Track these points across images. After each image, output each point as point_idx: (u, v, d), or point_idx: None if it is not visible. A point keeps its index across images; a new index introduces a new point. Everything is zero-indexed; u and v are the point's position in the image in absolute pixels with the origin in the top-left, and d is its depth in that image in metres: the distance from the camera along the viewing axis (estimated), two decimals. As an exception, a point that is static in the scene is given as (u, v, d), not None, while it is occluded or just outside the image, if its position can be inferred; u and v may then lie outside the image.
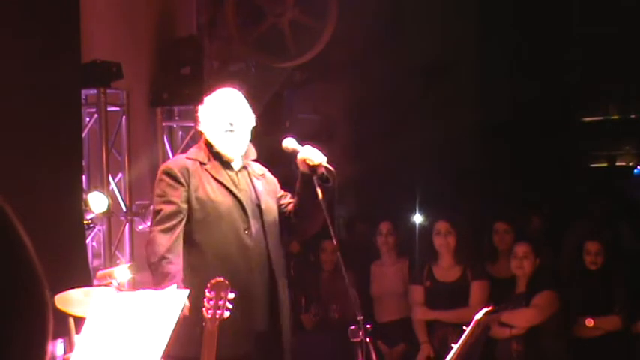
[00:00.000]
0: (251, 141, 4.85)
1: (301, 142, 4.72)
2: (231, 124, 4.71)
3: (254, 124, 4.82)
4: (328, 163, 4.56)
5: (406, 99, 9.16)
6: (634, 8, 9.18)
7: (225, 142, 4.74)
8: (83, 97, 6.81)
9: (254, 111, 4.86)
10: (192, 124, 7.78)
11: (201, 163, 4.73)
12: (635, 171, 11.13)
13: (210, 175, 4.71)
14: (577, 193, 9.29)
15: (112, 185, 7.01)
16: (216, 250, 4.65)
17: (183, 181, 4.67)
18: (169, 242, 4.61)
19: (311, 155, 4.57)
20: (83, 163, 6.71)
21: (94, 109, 6.92)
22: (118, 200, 7.06)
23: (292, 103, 9.35)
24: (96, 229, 6.82)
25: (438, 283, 6.95)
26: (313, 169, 4.55)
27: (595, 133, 11.01)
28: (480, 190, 9.14)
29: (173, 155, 7.79)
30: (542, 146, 9.72)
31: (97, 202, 6.64)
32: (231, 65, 8.37)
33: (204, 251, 4.66)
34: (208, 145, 4.79)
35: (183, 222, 4.66)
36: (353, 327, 4.23)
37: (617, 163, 11.35)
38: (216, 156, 4.77)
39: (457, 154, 9.24)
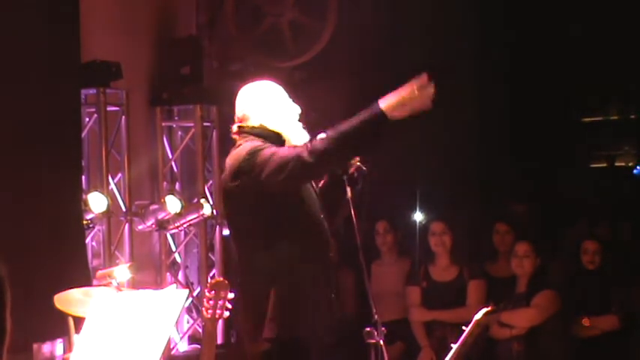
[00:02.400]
0: None
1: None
2: (299, 115, 4.57)
3: None
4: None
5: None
6: (634, 8, 9.18)
7: (297, 132, 4.52)
8: (82, 97, 6.82)
9: None
10: (191, 124, 7.79)
11: None
12: (635, 171, 11.11)
13: None
14: (577, 193, 9.28)
15: (112, 185, 7.01)
16: (313, 231, 4.45)
17: None
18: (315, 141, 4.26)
19: None
20: (83, 163, 6.71)
21: (93, 109, 6.92)
22: (117, 200, 7.06)
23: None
24: (95, 229, 6.82)
25: (434, 283, 6.97)
26: (345, 167, 4.50)
27: (595, 133, 11.00)
28: (478, 190, 9.13)
29: (172, 155, 7.80)
30: (542, 146, 9.71)
31: (96, 202, 6.64)
32: (230, 65, 8.37)
33: (307, 232, 4.42)
34: (270, 135, 4.48)
35: None
36: (369, 328, 4.23)
37: (617, 164, 11.33)
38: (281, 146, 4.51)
39: (457, 154, 9.23)
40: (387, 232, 7.41)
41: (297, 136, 4.52)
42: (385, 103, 4.17)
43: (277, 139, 4.47)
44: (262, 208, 4.37)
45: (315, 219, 4.48)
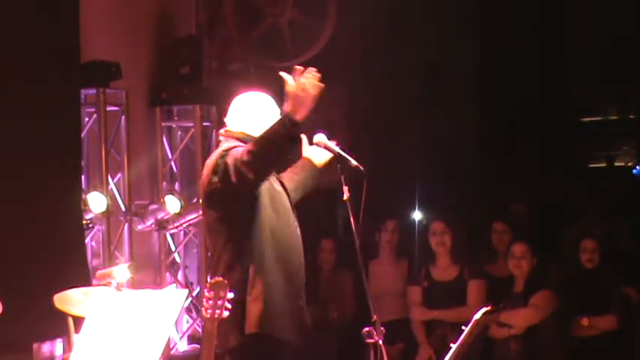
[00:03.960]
0: None
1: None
2: None
3: None
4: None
5: (405, 99, 9.15)
6: (633, 9, 9.19)
7: None
8: (82, 97, 6.83)
9: None
10: (191, 124, 7.79)
11: None
12: (635, 171, 11.12)
13: None
14: (576, 192, 9.29)
15: (111, 185, 7.02)
16: (285, 241, 4.62)
17: None
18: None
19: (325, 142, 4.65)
20: (82, 163, 6.72)
21: (93, 109, 6.94)
22: (117, 200, 7.07)
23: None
24: (95, 229, 6.83)
25: (435, 283, 6.97)
26: (343, 167, 4.55)
27: (594, 133, 11.01)
28: (478, 189, 9.14)
29: (172, 155, 7.81)
30: (541, 146, 9.72)
31: (96, 202, 6.64)
32: (230, 65, 8.38)
33: (277, 242, 4.59)
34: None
35: None
36: (368, 328, 4.24)
37: (616, 163, 11.35)
38: None
39: (456, 153, 9.24)
40: (395, 231, 7.42)
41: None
42: (288, 107, 4.38)
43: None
44: (234, 211, 4.54)
45: (287, 229, 4.61)
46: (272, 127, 4.40)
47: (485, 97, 9.47)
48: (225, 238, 4.58)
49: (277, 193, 4.65)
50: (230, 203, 4.54)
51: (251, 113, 4.75)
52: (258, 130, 4.66)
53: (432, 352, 6.85)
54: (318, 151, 4.86)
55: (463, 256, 6.98)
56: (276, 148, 4.39)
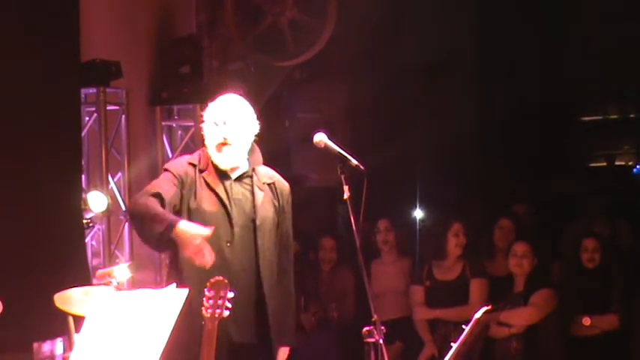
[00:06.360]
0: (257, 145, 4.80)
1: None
2: (225, 138, 4.65)
3: (256, 132, 4.73)
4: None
5: (406, 98, 9.16)
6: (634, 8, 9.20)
7: (217, 155, 4.68)
8: (82, 96, 6.82)
9: (255, 112, 4.79)
10: (191, 124, 7.79)
11: (201, 170, 4.66)
12: (635, 170, 11.14)
13: (206, 182, 4.65)
14: (576, 192, 9.30)
15: (112, 184, 7.02)
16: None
17: (178, 182, 4.61)
18: (152, 201, 4.52)
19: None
20: (82, 162, 6.71)
21: (93, 108, 6.93)
22: (117, 199, 7.06)
23: (292, 103, 9.35)
24: (95, 229, 6.82)
25: (437, 282, 6.96)
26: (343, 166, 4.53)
27: (594, 132, 11.03)
28: (479, 189, 9.15)
29: (172, 154, 7.80)
30: (541, 146, 9.73)
31: (96, 201, 6.64)
32: (230, 64, 8.38)
33: (180, 259, 4.57)
34: (208, 152, 4.76)
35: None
36: (368, 327, 4.23)
37: (617, 163, 11.36)
38: (215, 164, 4.71)
39: (457, 153, 9.25)
40: (388, 230, 7.40)
41: (222, 164, 4.69)
42: (183, 227, 4.42)
43: (208, 158, 4.69)
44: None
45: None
46: (158, 217, 4.43)
47: (486, 97, 9.48)
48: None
49: (200, 214, 4.57)
50: None
51: (205, 124, 4.75)
52: (207, 144, 4.71)
53: (436, 350, 6.85)
54: None
55: (466, 255, 6.98)
56: (147, 230, 4.50)
